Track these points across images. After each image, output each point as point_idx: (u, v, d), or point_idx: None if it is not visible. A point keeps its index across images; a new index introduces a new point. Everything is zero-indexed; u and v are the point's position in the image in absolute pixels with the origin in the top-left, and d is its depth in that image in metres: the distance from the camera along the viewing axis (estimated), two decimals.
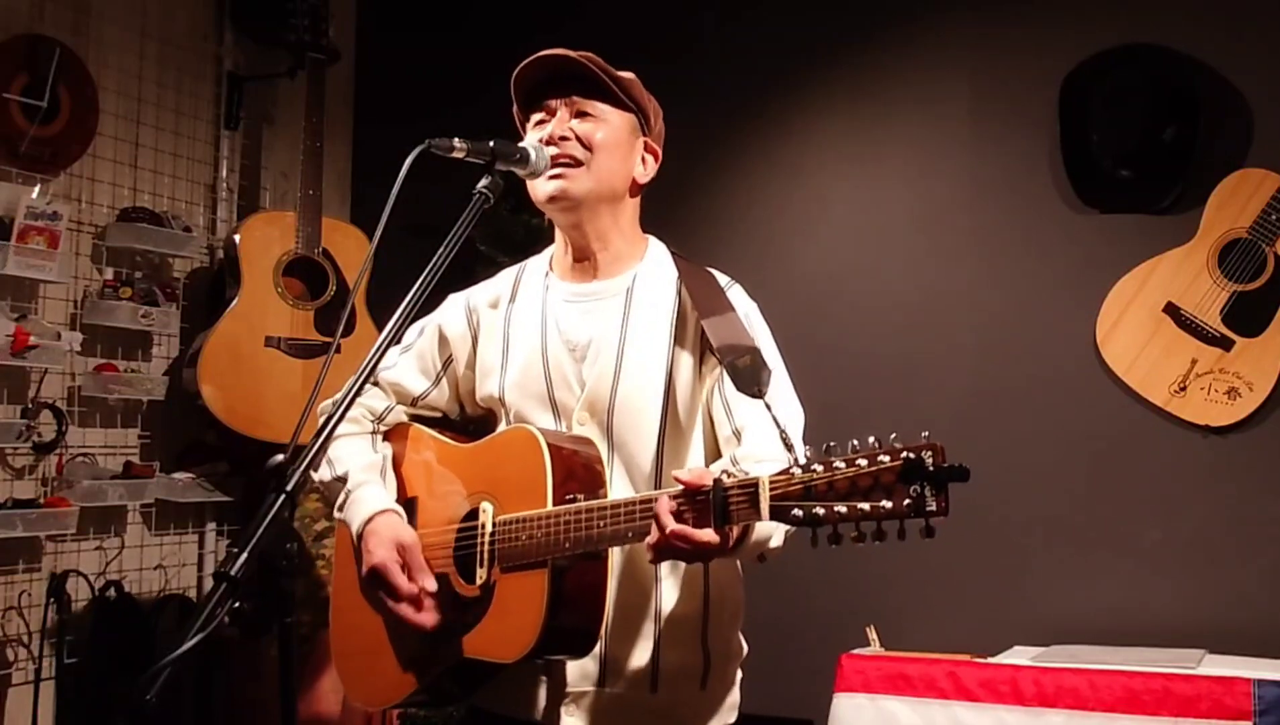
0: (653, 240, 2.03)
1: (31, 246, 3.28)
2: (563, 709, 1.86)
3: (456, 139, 1.72)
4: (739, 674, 1.99)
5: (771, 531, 1.73)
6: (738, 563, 1.97)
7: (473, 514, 1.88)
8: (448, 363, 2.04)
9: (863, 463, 1.44)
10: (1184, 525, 3.24)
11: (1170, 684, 2.79)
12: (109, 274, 3.67)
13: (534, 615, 1.72)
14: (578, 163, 1.88)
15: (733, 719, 1.96)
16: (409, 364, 2.05)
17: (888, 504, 1.42)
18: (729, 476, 1.58)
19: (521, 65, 1.92)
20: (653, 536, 1.60)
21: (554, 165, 1.87)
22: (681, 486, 1.60)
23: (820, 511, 1.46)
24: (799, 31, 3.82)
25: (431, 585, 1.85)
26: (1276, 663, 2.95)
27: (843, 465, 1.46)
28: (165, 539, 3.84)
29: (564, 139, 1.88)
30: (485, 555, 1.83)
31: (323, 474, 2.00)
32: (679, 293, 1.93)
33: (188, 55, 3.97)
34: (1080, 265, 3.40)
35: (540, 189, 1.90)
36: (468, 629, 1.83)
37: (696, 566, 1.89)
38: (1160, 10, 3.36)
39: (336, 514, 1.99)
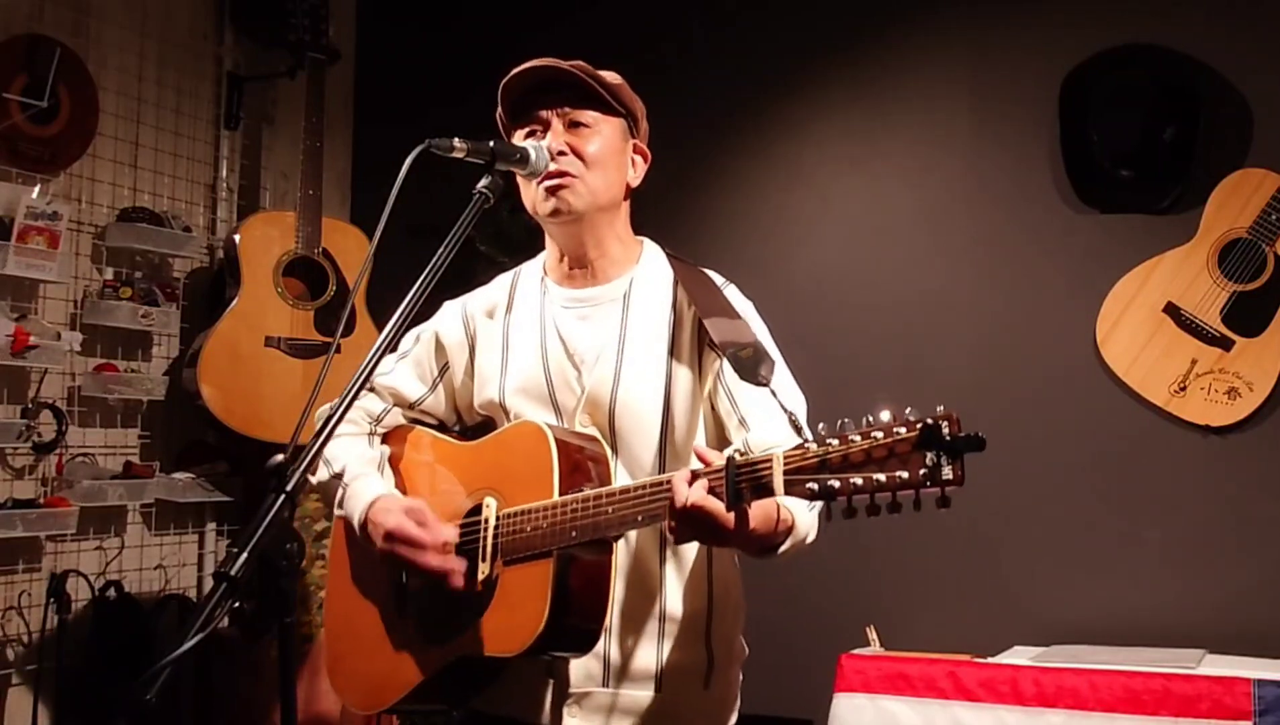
0: (647, 242, 2.02)
1: (31, 246, 3.28)
2: (565, 709, 1.85)
3: (456, 139, 1.72)
4: (740, 676, 1.99)
5: (810, 528, 1.73)
6: (735, 560, 1.97)
7: (476, 510, 1.87)
8: (444, 370, 2.05)
9: (879, 434, 1.44)
10: (1184, 525, 3.24)
11: (1170, 684, 2.79)
12: (109, 274, 3.67)
13: (538, 606, 1.71)
14: (575, 177, 1.87)
15: (733, 721, 1.96)
16: (406, 371, 2.06)
17: (904, 474, 1.41)
18: (741, 454, 1.57)
19: (510, 75, 1.91)
20: (670, 514, 1.59)
21: (550, 179, 1.87)
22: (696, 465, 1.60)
23: (835, 484, 1.45)
24: (799, 31, 3.82)
25: (451, 535, 1.84)
26: (1276, 663, 2.95)
27: (858, 438, 1.45)
28: (165, 539, 3.84)
29: (560, 154, 1.86)
30: (488, 550, 1.82)
31: (320, 475, 1.99)
32: (675, 294, 1.94)
33: (188, 55, 3.97)
34: (1080, 265, 3.40)
35: (539, 205, 1.89)
36: (469, 625, 1.81)
37: (701, 565, 1.89)
38: (1160, 10, 3.36)
39: (337, 511, 1.98)
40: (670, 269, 1.97)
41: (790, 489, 1.50)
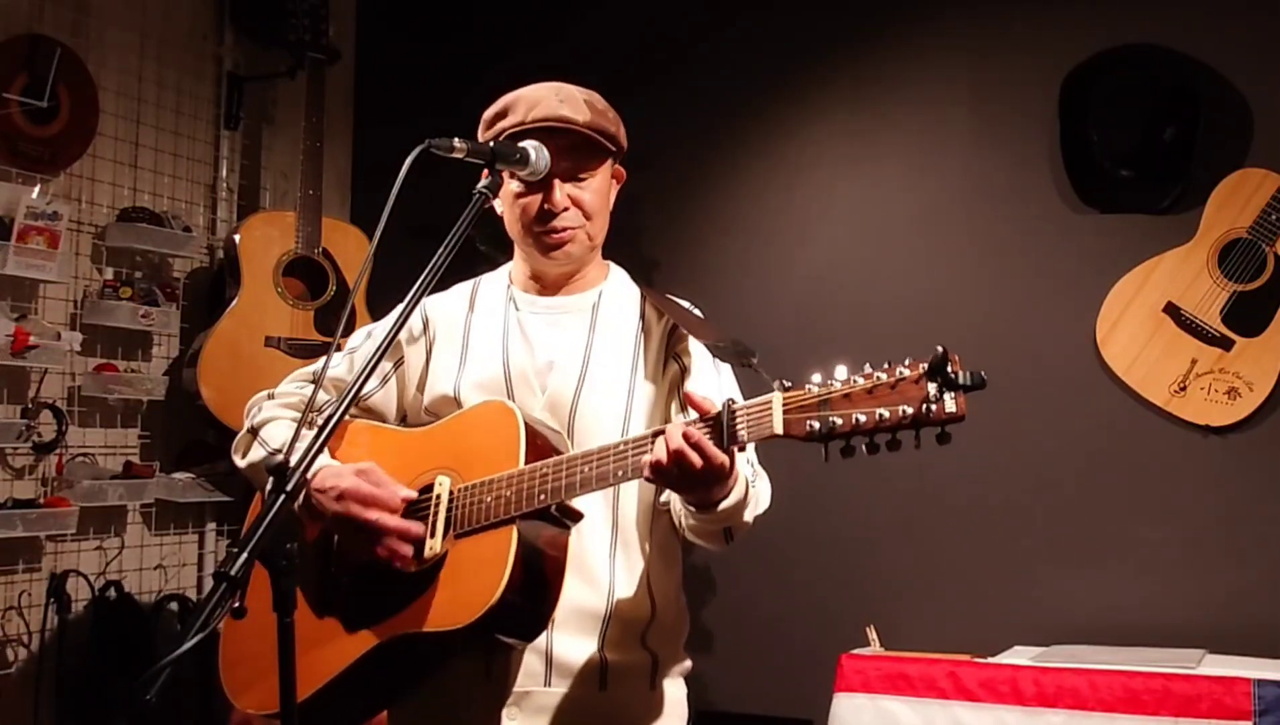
0: (613, 265, 2.06)
1: (31, 246, 3.28)
2: (505, 711, 1.80)
3: (456, 139, 1.72)
4: (685, 687, 1.96)
5: (757, 498, 1.76)
6: (679, 569, 1.96)
7: (426, 490, 1.80)
8: (397, 365, 2.01)
9: (881, 375, 1.45)
10: (1184, 525, 3.24)
11: (1170, 684, 2.79)
12: (109, 274, 3.67)
13: (495, 574, 1.62)
14: (577, 230, 1.91)
15: None
16: (355, 365, 2.00)
17: (908, 409, 1.42)
18: (733, 402, 1.58)
19: (528, 118, 1.86)
20: (658, 452, 1.57)
21: (555, 232, 1.89)
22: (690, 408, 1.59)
23: (837, 421, 1.45)
24: (799, 31, 3.82)
25: (410, 493, 1.78)
26: (1276, 663, 2.95)
27: (860, 380, 1.47)
28: (165, 539, 3.84)
29: (565, 210, 1.89)
30: (439, 525, 1.74)
31: (253, 456, 1.93)
32: (643, 309, 1.98)
33: (188, 55, 3.97)
34: (1080, 265, 3.40)
35: (537, 247, 1.91)
36: (408, 603, 1.71)
37: (648, 564, 1.87)
38: (1160, 10, 3.36)
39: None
40: (636, 288, 2.02)
41: (790, 428, 1.50)
